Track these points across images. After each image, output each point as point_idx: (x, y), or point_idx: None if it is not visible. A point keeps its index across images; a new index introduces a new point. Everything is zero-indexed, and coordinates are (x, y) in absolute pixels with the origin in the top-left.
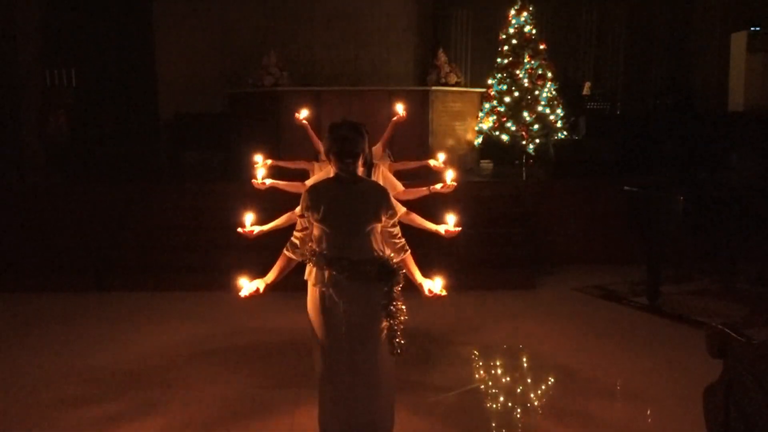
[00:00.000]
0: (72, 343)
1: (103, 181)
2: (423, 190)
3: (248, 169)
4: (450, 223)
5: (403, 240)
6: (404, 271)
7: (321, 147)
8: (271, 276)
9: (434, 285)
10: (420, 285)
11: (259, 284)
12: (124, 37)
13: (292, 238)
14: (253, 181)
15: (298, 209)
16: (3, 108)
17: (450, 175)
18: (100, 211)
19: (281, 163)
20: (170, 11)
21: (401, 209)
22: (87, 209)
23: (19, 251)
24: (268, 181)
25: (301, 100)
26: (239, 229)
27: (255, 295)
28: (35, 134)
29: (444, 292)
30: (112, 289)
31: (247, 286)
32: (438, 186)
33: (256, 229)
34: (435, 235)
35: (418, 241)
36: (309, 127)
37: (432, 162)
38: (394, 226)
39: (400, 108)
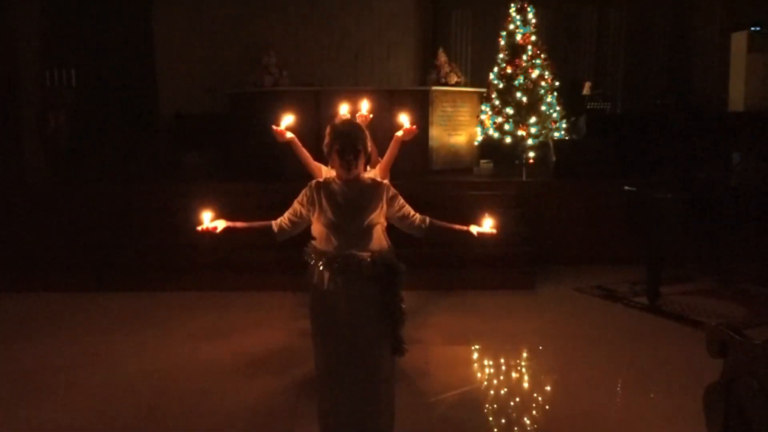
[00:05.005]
0: (72, 344)
1: (103, 181)
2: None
3: (248, 169)
4: (486, 227)
5: (417, 214)
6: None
7: (314, 166)
8: (237, 224)
9: (483, 227)
10: (467, 230)
11: (219, 224)
12: (124, 37)
13: (286, 220)
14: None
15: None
16: (3, 108)
17: (404, 120)
18: (100, 211)
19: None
20: (170, 11)
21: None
22: (87, 209)
23: (19, 251)
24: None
25: (301, 100)
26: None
27: (210, 234)
28: (35, 134)
29: (494, 231)
30: (112, 289)
31: (207, 221)
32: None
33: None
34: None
35: (417, 241)
36: (296, 141)
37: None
38: (401, 208)
39: (405, 120)
